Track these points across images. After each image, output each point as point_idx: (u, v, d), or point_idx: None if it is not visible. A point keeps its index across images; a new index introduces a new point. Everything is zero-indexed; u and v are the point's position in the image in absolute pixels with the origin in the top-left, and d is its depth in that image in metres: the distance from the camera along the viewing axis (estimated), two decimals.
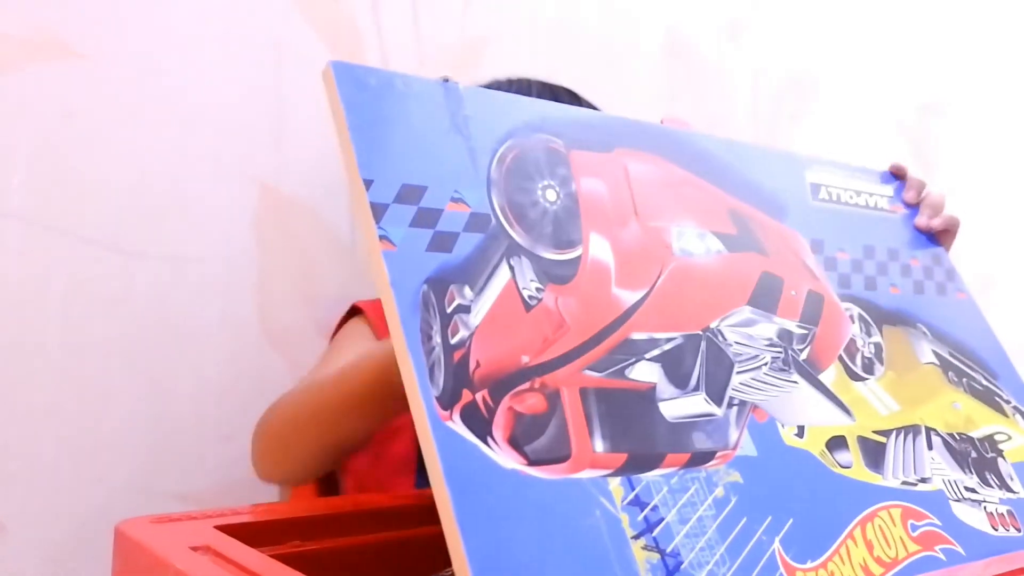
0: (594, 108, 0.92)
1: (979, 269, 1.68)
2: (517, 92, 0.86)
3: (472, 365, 0.41)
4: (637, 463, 0.43)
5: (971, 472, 0.58)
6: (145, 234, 0.82)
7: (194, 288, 0.84)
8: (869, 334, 0.62)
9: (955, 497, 0.55)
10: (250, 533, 0.54)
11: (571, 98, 0.89)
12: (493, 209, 0.46)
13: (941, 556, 0.50)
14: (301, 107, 0.91)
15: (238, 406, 0.86)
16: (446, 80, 0.51)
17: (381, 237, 0.42)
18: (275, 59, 0.89)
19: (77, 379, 0.79)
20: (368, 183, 0.43)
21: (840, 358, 0.58)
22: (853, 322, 0.62)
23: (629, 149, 0.57)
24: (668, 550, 0.40)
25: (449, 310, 0.42)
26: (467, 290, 0.43)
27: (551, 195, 0.50)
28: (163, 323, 0.83)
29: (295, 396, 0.71)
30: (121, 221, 0.80)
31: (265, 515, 0.59)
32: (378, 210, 0.42)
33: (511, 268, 0.45)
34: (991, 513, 0.55)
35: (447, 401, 0.39)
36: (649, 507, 0.41)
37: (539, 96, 0.87)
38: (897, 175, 0.78)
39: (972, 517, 0.54)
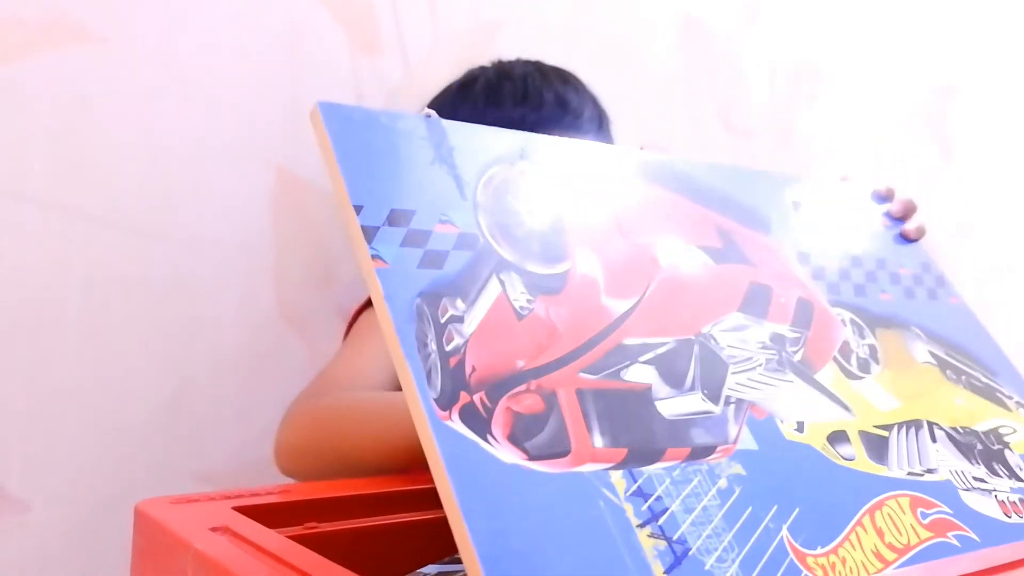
0: (599, 102, 0.92)
1: (998, 254, 1.67)
2: (523, 73, 0.86)
3: (468, 369, 0.42)
4: (638, 457, 0.43)
5: (978, 463, 0.58)
6: (163, 217, 0.82)
7: (212, 270, 0.85)
8: (862, 336, 0.62)
9: (964, 487, 0.55)
10: (267, 514, 0.55)
11: (576, 85, 0.90)
12: (481, 230, 0.48)
13: (955, 542, 0.50)
14: (317, 90, 0.91)
15: (256, 387, 0.87)
16: (428, 115, 0.54)
17: (373, 256, 0.43)
18: (291, 42, 0.90)
19: (97, 361, 0.79)
20: (358, 208, 0.44)
21: (835, 359, 0.58)
22: (845, 326, 0.62)
23: (615, 175, 0.58)
24: (675, 537, 0.41)
25: (443, 320, 0.43)
26: (459, 302, 0.44)
27: (537, 216, 0.51)
28: (181, 305, 0.84)
29: (330, 418, 0.72)
30: (139, 204, 0.81)
31: (282, 496, 0.60)
32: (369, 232, 0.44)
33: (501, 282, 0.46)
34: (1003, 501, 0.55)
35: (445, 402, 0.40)
36: (653, 497, 0.42)
37: (545, 79, 0.87)
38: (884, 196, 0.78)
39: (983, 505, 0.54)
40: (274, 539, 0.50)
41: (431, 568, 0.56)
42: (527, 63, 0.91)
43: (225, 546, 0.49)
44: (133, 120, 0.81)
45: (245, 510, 0.55)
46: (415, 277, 0.44)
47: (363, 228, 0.44)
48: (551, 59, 0.93)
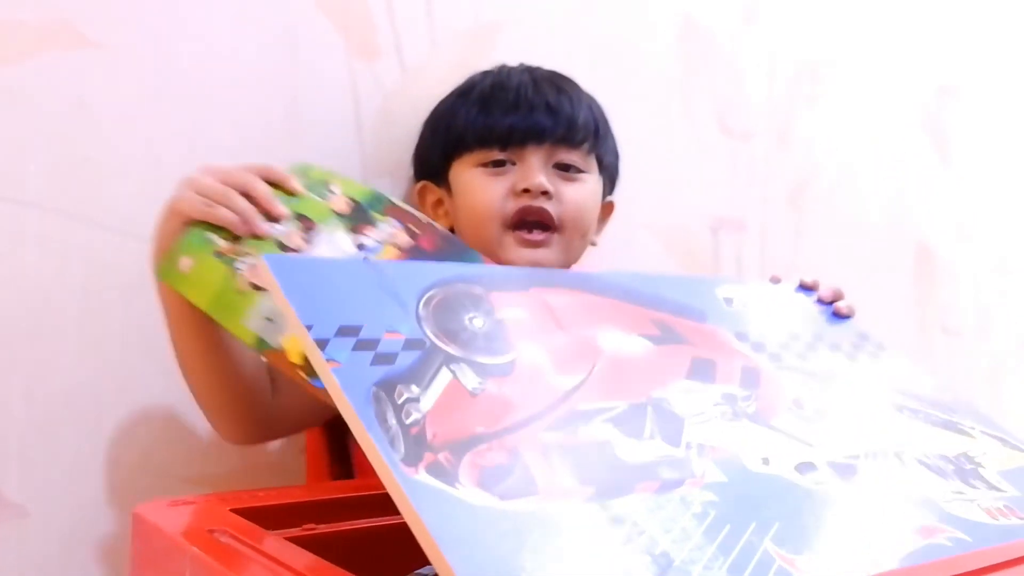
0: (597, 108, 0.91)
1: (996, 251, 1.68)
2: (518, 82, 0.87)
3: (430, 435, 0.44)
4: (607, 491, 0.45)
5: (954, 479, 0.57)
6: None
7: None
8: (812, 391, 0.64)
9: (944, 499, 0.54)
10: (265, 516, 0.55)
11: (572, 93, 0.90)
12: (426, 335, 0.51)
13: (947, 543, 0.50)
14: (315, 93, 0.91)
15: None
16: (365, 259, 0.61)
17: (328, 359, 0.47)
18: (289, 46, 0.90)
19: (95, 365, 0.80)
20: (309, 327, 0.48)
21: (789, 409, 0.60)
22: (794, 384, 0.63)
23: (545, 288, 0.62)
24: (657, 552, 0.41)
25: (400, 402, 0.46)
26: (414, 387, 0.47)
27: (478, 322, 0.55)
28: None
29: None
30: (137, 208, 0.81)
31: (280, 498, 0.60)
32: (322, 343, 0.48)
33: (452, 371, 0.50)
34: (987, 508, 0.55)
35: (411, 460, 0.42)
36: (628, 522, 0.43)
37: (537, 88, 0.87)
38: (808, 287, 0.81)
39: (968, 511, 0.54)
40: (272, 541, 0.50)
41: (428, 570, 0.56)
42: (525, 71, 0.91)
43: (223, 548, 0.49)
44: (131, 124, 0.82)
45: (243, 512, 0.55)
46: (369, 372, 0.47)
47: (316, 341, 0.48)
48: (550, 61, 0.93)
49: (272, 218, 0.66)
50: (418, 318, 0.52)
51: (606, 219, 0.96)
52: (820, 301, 0.79)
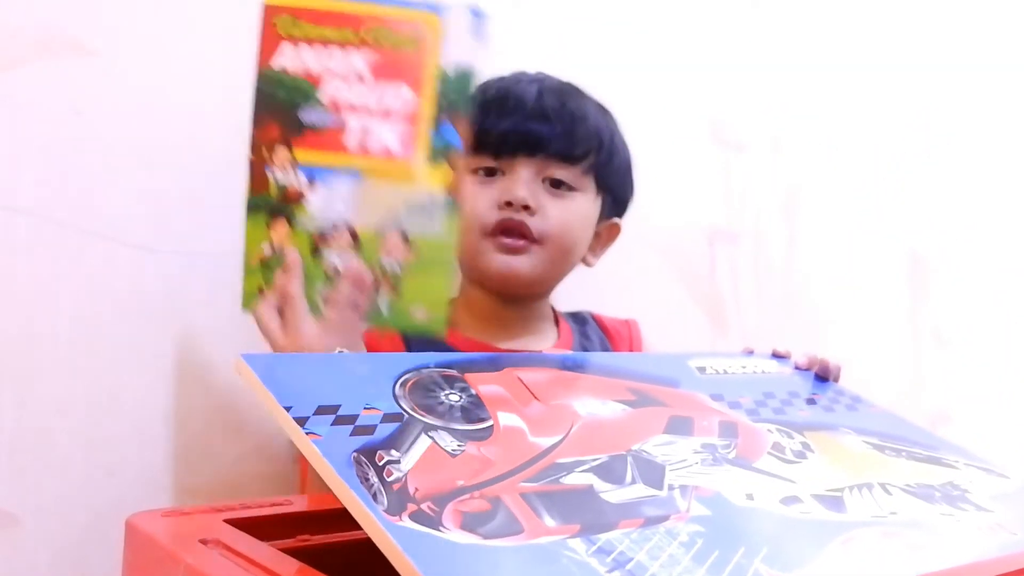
0: (606, 118, 0.89)
1: (989, 259, 1.68)
2: (521, 92, 0.85)
3: (412, 490, 0.45)
4: (592, 528, 0.45)
5: (942, 504, 0.58)
6: (155, 229, 0.82)
7: (203, 282, 0.85)
8: (792, 437, 0.64)
9: (933, 521, 0.55)
10: (259, 527, 0.55)
11: (577, 104, 0.87)
12: (404, 410, 0.53)
13: (939, 558, 0.50)
14: None
15: (249, 400, 0.86)
16: (341, 351, 0.64)
17: (307, 433, 0.48)
18: None
19: (88, 374, 0.79)
20: (288, 408, 0.50)
21: (769, 453, 0.60)
22: (772, 433, 0.64)
23: (519, 367, 0.64)
24: None
25: (380, 464, 0.47)
26: (393, 451, 0.48)
27: (454, 397, 0.56)
28: (173, 317, 0.84)
29: None
30: (131, 216, 0.81)
31: (275, 509, 0.60)
32: (301, 421, 0.49)
33: (431, 437, 0.51)
34: (978, 526, 0.55)
35: (394, 511, 0.43)
36: (615, 552, 0.43)
37: (543, 95, 0.85)
38: (781, 356, 0.81)
39: (958, 530, 0.54)
40: (266, 552, 0.50)
41: None
42: (535, 80, 0.87)
43: (216, 559, 0.49)
44: (126, 132, 0.81)
45: (237, 523, 0.55)
46: (349, 442, 0.48)
47: (296, 419, 0.49)
48: (546, 68, 0.93)
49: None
50: (395, 397, 0.54)
51: (609, 242, 0.93)
52: (797, 368, 0.80)
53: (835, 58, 1.43)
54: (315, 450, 0.47)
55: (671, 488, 0.51)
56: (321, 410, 0.50)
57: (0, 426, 0.76)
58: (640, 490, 0.50)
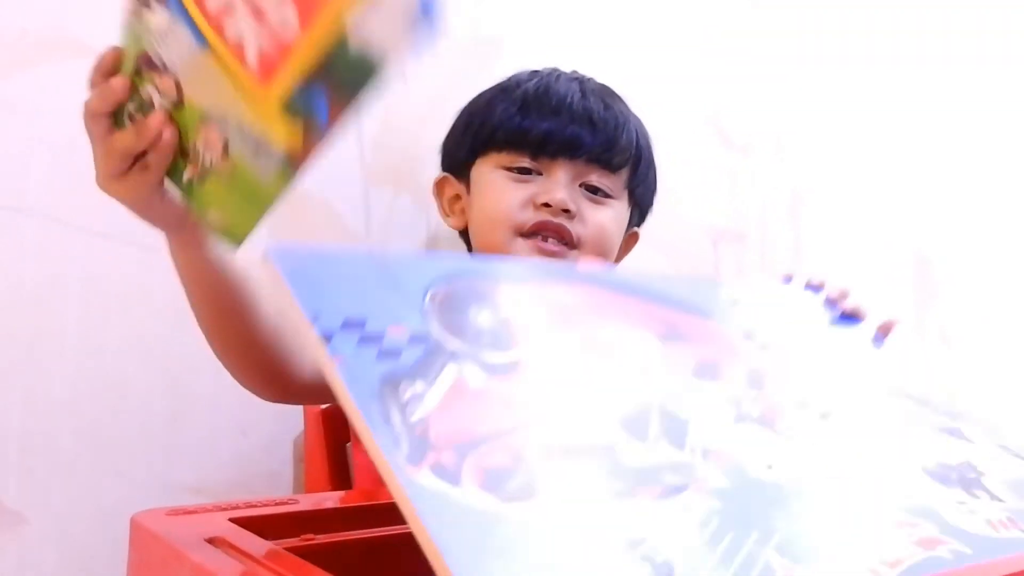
0: (639, 127, 0.88)
1: (995, 260, 1.67)
2: (565, 91, 0.82)
3: (433, 436, 0.44)
4: (608, 497, 0.45)
5: (957, 488, 0.58)
6: None
7: None
8: (820, 390, 0.64)
9: (946, 510, 0.54)
10: (264, 526, 0.55)
11: (619, 109, 0.86)
12: (431, 330, 0.51)
13: (948, 555, 0.49)
14: None
15: (253, 400, 0.86)
16: (371, 250, 0.59)
17: (332, 355, 0.46)
18: None
19: (95, 373, 0.80)
20: (313, 319, 0.47)
21: (794, 412, 0.60)
22: (800, 384, 0.63)
23: (553, 282, 0.61)
24: (659, 561, 0.41)
25: (404, 400, 0.45)
26: (419, 384, 0.46)
27: (484, 318, 0.54)
28: (179, 316, 0.83)
29: None
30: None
31: (279, 508, 0.60)
32: (326, 337, 0.47)
33: (457, 368, 0.49)
34: (989, 520, 0.55)
35: (414, 460, 0.42)
36: (630, 529, 0.43)
37: (584, 98, 0.83)
38: (818, 286, 0.79)
39: (969, 523, 0.53)
40: (271, 551, 0.50)
41: None
42: (575, 79, 0.86)
43: (221, 558, 0.49)
44: None
45: (242, 521, 0.55)
46: (374, 367, 0.46)
47: (320, 336, 0.47)
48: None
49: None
50: (423, 312, 0.51)
51: (628, 251, 0.92)
52: (828, 300, 0.77)
53: (841, 59, 1.43)
54: (340, 380, 0.44)
55: (693, 450, 0.50)
56: (347, 324, 0.47)
57: (8, 426, 0.76)
58: (663, 450, 0.50)
